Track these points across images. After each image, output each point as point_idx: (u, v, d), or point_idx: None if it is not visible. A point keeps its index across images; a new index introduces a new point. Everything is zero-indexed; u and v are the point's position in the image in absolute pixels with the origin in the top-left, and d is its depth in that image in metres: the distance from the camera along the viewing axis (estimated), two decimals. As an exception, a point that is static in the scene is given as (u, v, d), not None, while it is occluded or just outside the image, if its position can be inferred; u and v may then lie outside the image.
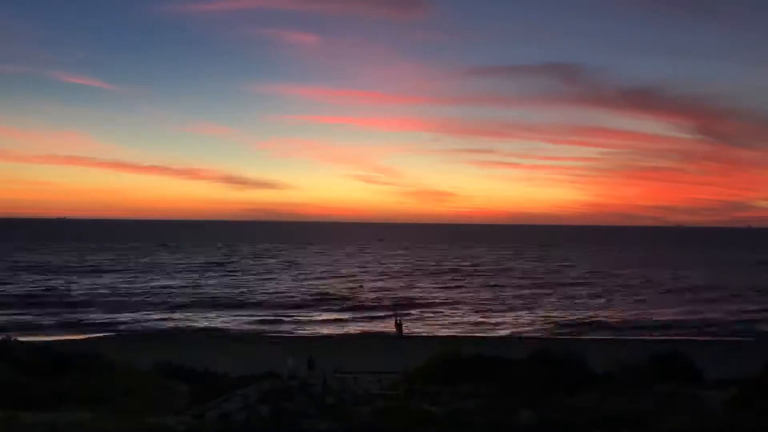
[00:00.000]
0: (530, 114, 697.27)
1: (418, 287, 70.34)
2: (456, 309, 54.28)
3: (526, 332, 43.93)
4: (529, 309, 54.54)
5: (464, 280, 79.31)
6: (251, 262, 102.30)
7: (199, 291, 63.79)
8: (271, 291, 64.75)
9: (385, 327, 44.31)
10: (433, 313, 51.99)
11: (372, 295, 62.55)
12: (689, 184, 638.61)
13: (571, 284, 74.28)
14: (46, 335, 38.68)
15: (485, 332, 43.72)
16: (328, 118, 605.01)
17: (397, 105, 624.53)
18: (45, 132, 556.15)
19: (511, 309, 54.61)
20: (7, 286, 63.63)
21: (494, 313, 52.03)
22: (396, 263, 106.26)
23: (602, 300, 61.25)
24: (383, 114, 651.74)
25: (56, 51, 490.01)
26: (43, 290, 60.98)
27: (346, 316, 49.87)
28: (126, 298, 57.30)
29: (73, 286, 64.81)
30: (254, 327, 44.93)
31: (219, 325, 45.14)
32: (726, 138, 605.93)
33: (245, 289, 65.50)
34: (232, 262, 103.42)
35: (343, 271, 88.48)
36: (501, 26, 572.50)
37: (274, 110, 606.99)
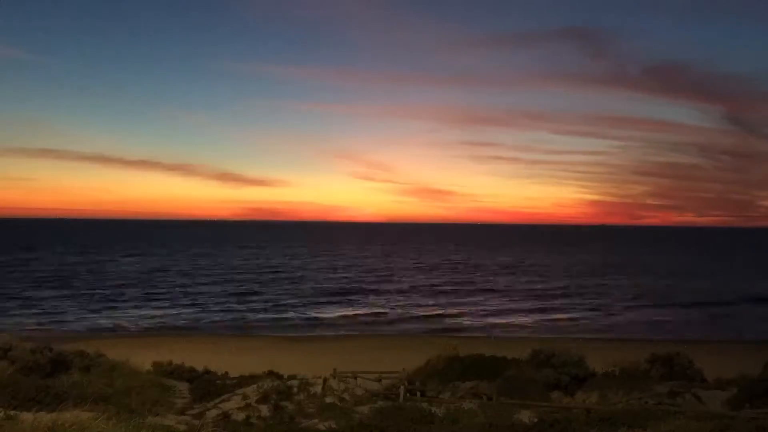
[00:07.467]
0: (537, 97, 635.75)
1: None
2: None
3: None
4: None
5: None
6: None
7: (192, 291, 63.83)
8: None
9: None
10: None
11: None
12: (701, 181, 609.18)
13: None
14: (46, 334, 38.61)
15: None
16: (309, 105, 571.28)
17: (387, 86, 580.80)
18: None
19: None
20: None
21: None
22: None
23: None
24: (370, 98, 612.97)
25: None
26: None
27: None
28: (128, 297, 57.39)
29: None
30: (254, 326, 45.01)
31: (218, 325, 45.22)
32: (753, 128, 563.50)
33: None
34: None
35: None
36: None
37: (251, 93, 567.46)
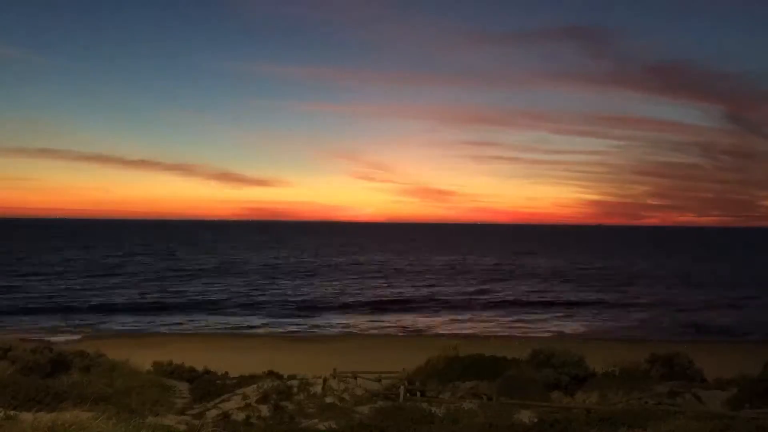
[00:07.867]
0: (537, 97, 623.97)
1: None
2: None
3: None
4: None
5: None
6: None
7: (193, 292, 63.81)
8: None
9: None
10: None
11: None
12: (701, 181, 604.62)
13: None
14: (47, 335, 38.61)
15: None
16: (309, 105, 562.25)
17: (387, 86, 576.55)
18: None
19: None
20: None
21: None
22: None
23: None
24: (369, 98, 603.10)
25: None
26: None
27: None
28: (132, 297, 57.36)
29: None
30: (256, 326, 45.01)
31: (220, 325, 45.21)
32: (753, 128, 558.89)
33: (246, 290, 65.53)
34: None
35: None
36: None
37: (251, 93, 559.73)
